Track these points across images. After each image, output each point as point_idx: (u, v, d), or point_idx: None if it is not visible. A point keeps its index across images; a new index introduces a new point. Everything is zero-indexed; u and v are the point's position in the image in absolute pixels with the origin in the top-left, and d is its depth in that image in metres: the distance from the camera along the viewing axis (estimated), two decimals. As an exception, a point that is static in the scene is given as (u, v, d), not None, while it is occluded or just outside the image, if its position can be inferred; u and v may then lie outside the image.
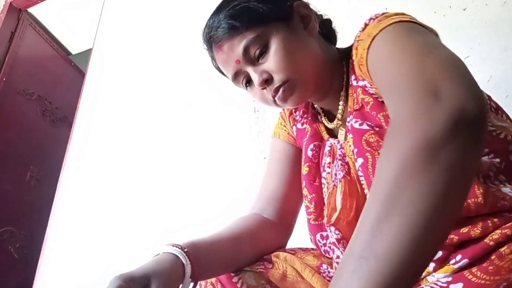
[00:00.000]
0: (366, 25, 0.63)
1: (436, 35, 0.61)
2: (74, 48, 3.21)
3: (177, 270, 0.60)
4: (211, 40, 0.70)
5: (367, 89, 0.65)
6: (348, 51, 0.72)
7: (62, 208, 2.08)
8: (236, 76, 0.71)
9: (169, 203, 1.69)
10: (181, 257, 0.61)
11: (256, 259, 0.74)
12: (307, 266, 0.70)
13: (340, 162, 0.69)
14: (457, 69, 0.45)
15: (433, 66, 0.45)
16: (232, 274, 0.71)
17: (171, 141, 1.82)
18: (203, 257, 0.65)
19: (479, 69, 1.19)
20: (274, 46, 0.66)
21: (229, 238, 0.72)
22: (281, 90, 0.67)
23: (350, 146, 0.66)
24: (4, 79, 2.64)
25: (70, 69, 3.15)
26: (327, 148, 0.74)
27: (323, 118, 0.78)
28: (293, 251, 0.76)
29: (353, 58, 0.66)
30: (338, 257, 0.70)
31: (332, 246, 0.70)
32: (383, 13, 0.63)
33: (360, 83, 0.66)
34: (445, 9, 1.31)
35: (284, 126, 0.87)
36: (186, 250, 0.62)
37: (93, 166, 2.06)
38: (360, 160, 0.61)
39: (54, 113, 2.99)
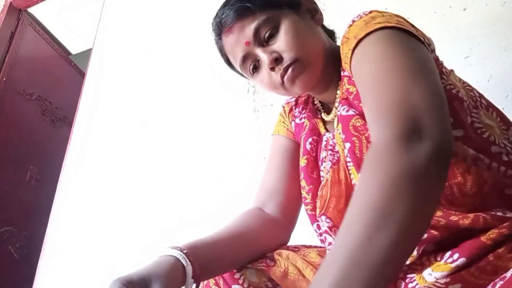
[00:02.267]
0: (353, 21, 0.64)
1: (422, 41, 0.60)
2: (74, 48, 3.21)
3: (176, 272, 0.59)
4: (222, 24, 0.71)
5: (352, 79, 0.66)
6: None
7: (62, 208, 2.08)
8: (244, 60, 0.72)
9: (169, 203, 1.69)
10: (180, 259, 0.61)
11: (259, 257, 0.74)
12: (309, 264, 0.70)
13: (330, 152, 0.71)
14: (438, 107, 0.50)
15: (418, 99, 0.49)
16: (234, 271, 0.71)
17: (171, 140, 1.83)
18: (204, 257, 0.65)
19: (479, 69, 1.18)
20: (285, 27, 0.69)
21: (230, 237, 0.72)
22: (290, 69, 0.68)
23: (340, 133, 0.67)
24: (4, 79, 2.64)
25: (70, 69, 3.15)
26: (323, 143, 0.76)
27: (322, 114, 0.79)
28: (297, 248, 0.76)
29: (341, 53, 0.68)
30: (330, 244, 0.70)
31: (324, 234, 0.71)
32: (370, 12, 0.63)
33: (346, 73, 0.68)
34: (445, 9, 1.31)
35: (283, 122, 0.88)
36: (186, 251, 0.62)
37: (93, 166, 2.06)
38: (347, 145, 0.63)
39: (54, 113, 2.99)
